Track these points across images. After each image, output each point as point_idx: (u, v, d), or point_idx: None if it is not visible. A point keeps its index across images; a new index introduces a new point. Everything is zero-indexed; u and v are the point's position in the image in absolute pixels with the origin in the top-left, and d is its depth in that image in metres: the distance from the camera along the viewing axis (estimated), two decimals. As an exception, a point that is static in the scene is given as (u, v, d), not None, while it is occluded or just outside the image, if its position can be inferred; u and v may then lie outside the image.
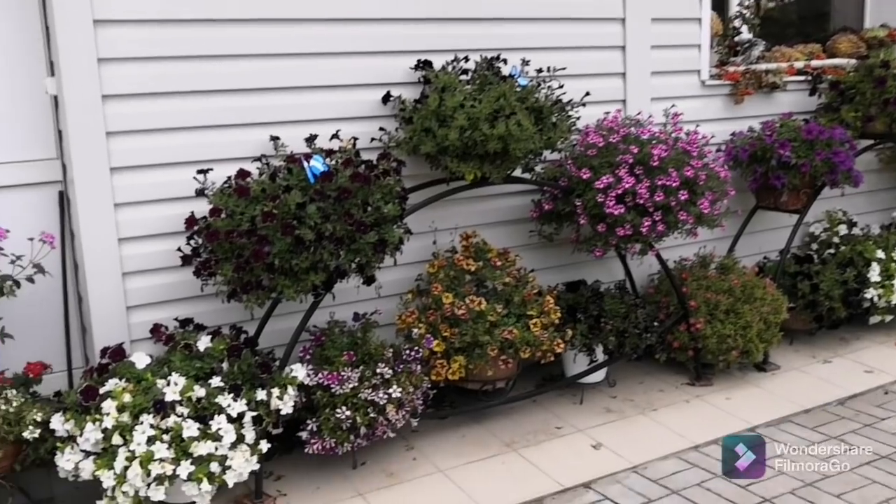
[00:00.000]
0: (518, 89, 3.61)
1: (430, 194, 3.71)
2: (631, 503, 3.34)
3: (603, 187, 3.78)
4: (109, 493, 2.91)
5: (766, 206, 4.86)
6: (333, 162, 3.35)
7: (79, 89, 3.24)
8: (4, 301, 3.21)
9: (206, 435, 2.97)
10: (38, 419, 3.03)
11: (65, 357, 3.61)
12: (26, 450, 3.09)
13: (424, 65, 3.75)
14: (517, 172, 3.81)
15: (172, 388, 2.99)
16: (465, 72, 3.73)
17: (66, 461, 2.96)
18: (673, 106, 4.18)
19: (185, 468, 2.88)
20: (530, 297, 3.79)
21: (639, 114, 4.10)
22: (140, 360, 3.15)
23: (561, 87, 3.80)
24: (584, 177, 3.83)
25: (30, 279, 3.18)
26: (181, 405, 3.00)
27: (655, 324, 4.18)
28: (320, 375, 3.35)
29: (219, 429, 2.98)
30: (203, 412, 3.02)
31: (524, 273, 3.93)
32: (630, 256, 4.03)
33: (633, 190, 3.77)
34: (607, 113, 4.14)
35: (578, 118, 3.85)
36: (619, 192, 3.78)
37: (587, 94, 3.91)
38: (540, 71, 3.85)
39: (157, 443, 2.89)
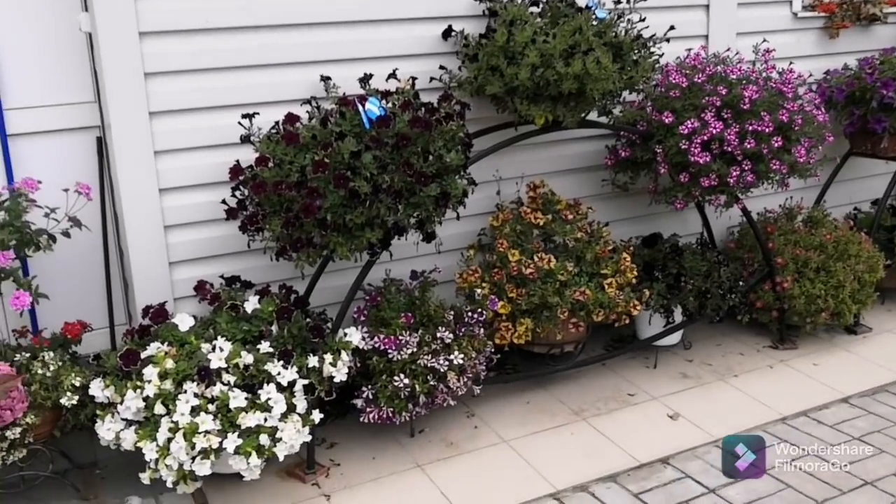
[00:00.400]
0: (595, 23, 3.22)
1: (496, 140, 3.37)
2: (714, 483, 3.05)
3: (687, 133, 3.40)
4: (152, 465, 2.71)
5: (861, 152, 4.41)
6: (390, 105, 3.03)
7: (114, 25, 2.95)
8: (42, 256, 2.99)
9: (254, 405, 2.74)
10: (77, 384, 2.83)
11: (106, 314, 3.41)
12: (66, 415, 2.90)
13: (490, -5, 3.38)
14: (592, 115, 3.45)
15: (218, 354, 2.75)
16: (536, 3, 3.34)
17: (106, 430, 2.76)
18: (764, 41, 3.75)
19: (232, 441, 2.66)
20: (604, 255, 3.45)
21: (727, 50, 3.67)
22: (183, 321, 2.92)
23: (643, 20, 3.39)
24: (667, 121, 3.45)
25: (65, 233, 2.94)
26: (227, 372, 2.77)
27: (740, 283, 3.81)
28: (376, 339, 3.08)
29: (268, 399, 2.74)
30: (251, 380, 2.78)
31: (597, 227, 3.59)
32: (714, 209, 3.65)
33: (721, 136, 3.39)
34: (689, 50, 3.73)
35: (661, 55, 3.45)
36: (705, 138, 3.40)
37: (672, 28, 3.49)
38: (618, 2, 3.44)
39: (202, 413, 2.66)
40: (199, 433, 2.63)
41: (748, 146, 3.38)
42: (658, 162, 3.53)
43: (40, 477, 2.99)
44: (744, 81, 3.47)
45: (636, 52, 3.30)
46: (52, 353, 2.89)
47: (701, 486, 3.03)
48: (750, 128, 3.39)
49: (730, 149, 3.40)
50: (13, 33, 3.13)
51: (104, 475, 3.19)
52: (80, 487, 3.08)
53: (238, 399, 2.70)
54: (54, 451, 3.05)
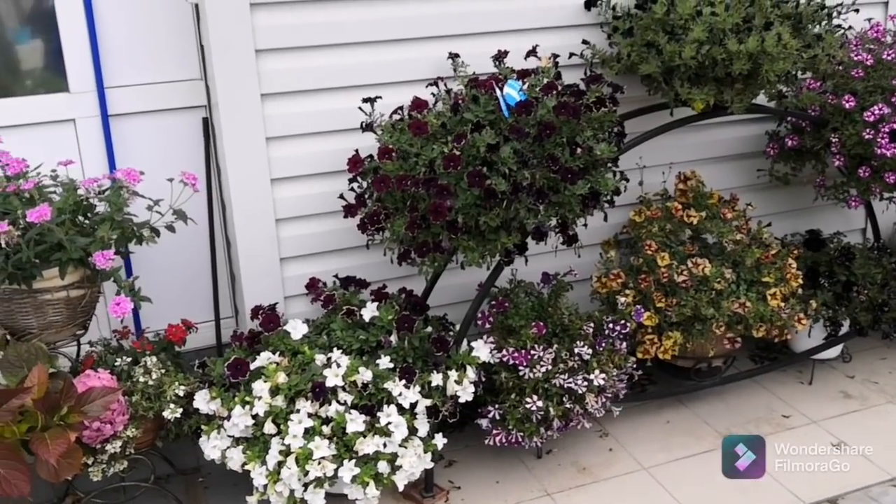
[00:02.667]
0: (770, -10, 2.74)
1: (645, 125, 2.95)
2: (899, 536, 2.61)
3: (873, 120, 2.89)
4: (260, 489, 2.45)
5: None
6: (527, 86, 2.63)
7: (222, -5, 2.64)
8: (143, 247, 2.73)
9: (373, 429, 2.44)
10: (181, 393, 2.59)
11: (211, 306, 3.17)
12: (169, 425, 2.67)
13: (645, -42, 2.93)
14: (759, 98, 2.97)
15: (334, 370, 2.46)
16: (700, -33, 2.87)
17: (211, 448, 2.52)
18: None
19: (349, 469, 2.37)
20: (767, 260, 3.00)
21: (923, 21, 3.13)
22: (296, 328, 2.63)
23: (827, -15, 2.88)
24: (847, 105, 2.95)
25: (169, 227, 2.68)
26: (344, 390, 2.47)
27: (924, 295, 3.30)
28: (504, 353, 2.74)
29: (389, 423, 2.44)
30: (369, 399, 2.48)
31: (758, 227, 3.13)
32: (886, 205, 3.13)
33: (915, 124, 2.87)
34: (869, 20, 3.19)
35: (849, 28, 2.93)
36: (895, 126, 2.88)
37: (860, -6, 2.97)
38: (795, -35, 2.93)
39: (317, 438, 2.38)
40: (313, 460, 2.35)
41: (947, 137, 2.86)
42: (833, 153, 3.03)
43: (142, 488, 2.78)
44: (945, 59, 2.93)
45: (817, 24, 2.80)
46: (154, 359, 2.66)
47: (882, 539, 2.60)
48: (951, 115, 2.87)
49: (923, 139, 2.88)
50: (114, 4, 2.87)
51: (207, 484, 2.98)
52: (183, 499, 2.86)
53: (356, 422, 2.40)
54: (156, 456, 2.84)
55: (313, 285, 2.91)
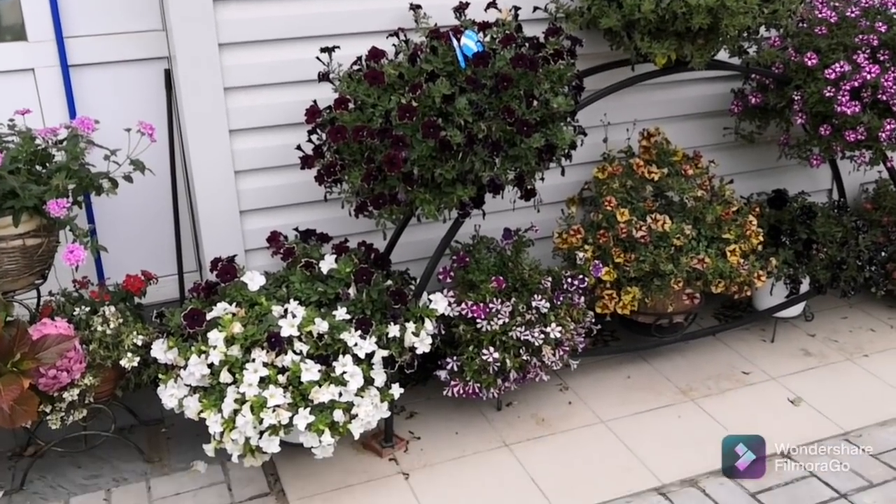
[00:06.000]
0: (732, -57, 2.72)
1: (607, 80, 2.94)
2: (846, 486, 2.65)
3: (834, 78, 2.90)
4: (217, 437, 2.47)
5: None
6: (488, 39, 2.63)
7: (179, -57, 2.61)
8: (108, 200, 2.73)
9: (328, 378, 2.46)
10: (139, 343, 2.60)
11: (175, 260, 3.17)
12: (128, 375, 2.69)
13: (607, -90, 2.90)
14: (721, 55, 2.97)
15: (290, 320, 2.47)
16: (663, -81, 2.85)
17: (168, 396, 2.53)
18: (930, -34, 3.16)
19: (303, 417, 2.40)
20: (727, 217, 3.01)
21: (886, -22, 3.11)
22: (253, 280, 2.64)
23: (790, -61, 2.87)
24: (809, 63, 2.95)
25: (127, 177, 2.67)
26: (300, 340, 2.49)
27: (882, 253, 3.32)
28: (463, 306, 2.76)
29: (344, 372, 2.46)
30: (325, 349, 2.50)
31: (720, 184, 3.14)
32: (856, 166, 3.15)
33: (876, 82, 2.87)
34: (837, -24, 3.18)
35: (811, -17, 2.93)
36: (856, 84, 2.89)
37: (825, -50, 2.95)
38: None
39: (272, 386, 2.40)
40: (268, 408, 2.37)
41: (908, 94, 2.87)
42: (795, 111, 3.04)
43: (102, 437, 2.81)
44: (909, 16, 2.93)
45: (780, -21, 2.79)
46: (112, 308, 2.66)
47: (829, 489, 2.64)
48: (912, 73, 2.87)
49: (885, 97, 2.89)
50: (73, -48, 2.84)
51: (170, 434, 3.00)
52: (145, 448, 2.89)
53: (311, 372, 2.42)
54: (119, 407, 2.87)
55: (274, 239, 2.91)
